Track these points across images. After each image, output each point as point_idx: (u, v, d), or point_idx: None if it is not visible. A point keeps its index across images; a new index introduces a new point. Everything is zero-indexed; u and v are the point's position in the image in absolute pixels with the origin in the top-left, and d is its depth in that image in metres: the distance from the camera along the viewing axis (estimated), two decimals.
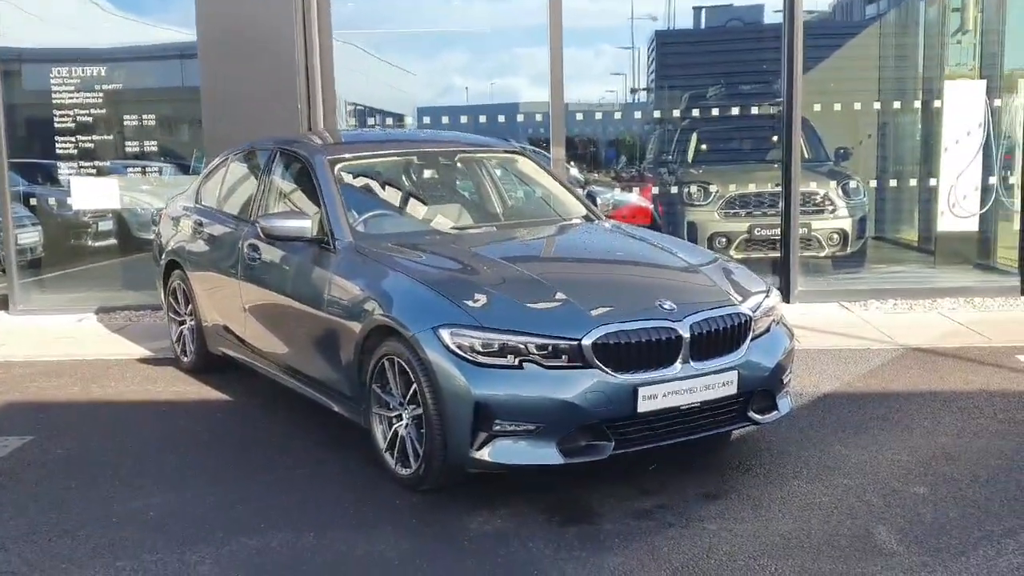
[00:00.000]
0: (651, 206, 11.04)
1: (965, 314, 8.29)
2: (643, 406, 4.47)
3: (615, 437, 4.50)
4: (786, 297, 8.86)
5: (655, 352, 4.52)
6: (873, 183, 10.73)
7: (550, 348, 4.42)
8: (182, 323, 7.06)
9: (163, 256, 7.28)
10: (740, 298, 4.94)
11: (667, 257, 5.41)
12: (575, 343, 4.42)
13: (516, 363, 4.40)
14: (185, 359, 7.05)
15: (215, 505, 4.64)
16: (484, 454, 4.41)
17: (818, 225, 9.76)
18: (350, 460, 5.13)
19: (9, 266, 9.39)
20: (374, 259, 5.17)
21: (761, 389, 4.87)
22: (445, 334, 4.47)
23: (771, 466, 4.97)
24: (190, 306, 6.88)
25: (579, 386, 4.38)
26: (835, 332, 7.73)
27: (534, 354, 4.41)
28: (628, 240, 5.80)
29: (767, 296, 5.12)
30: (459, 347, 4.43)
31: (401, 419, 4.75)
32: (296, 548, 4.17)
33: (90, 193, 9.76)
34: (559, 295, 4.68)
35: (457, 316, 4.52)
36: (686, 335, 4.58)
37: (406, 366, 4.62)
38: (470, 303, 4.59)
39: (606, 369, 4.43)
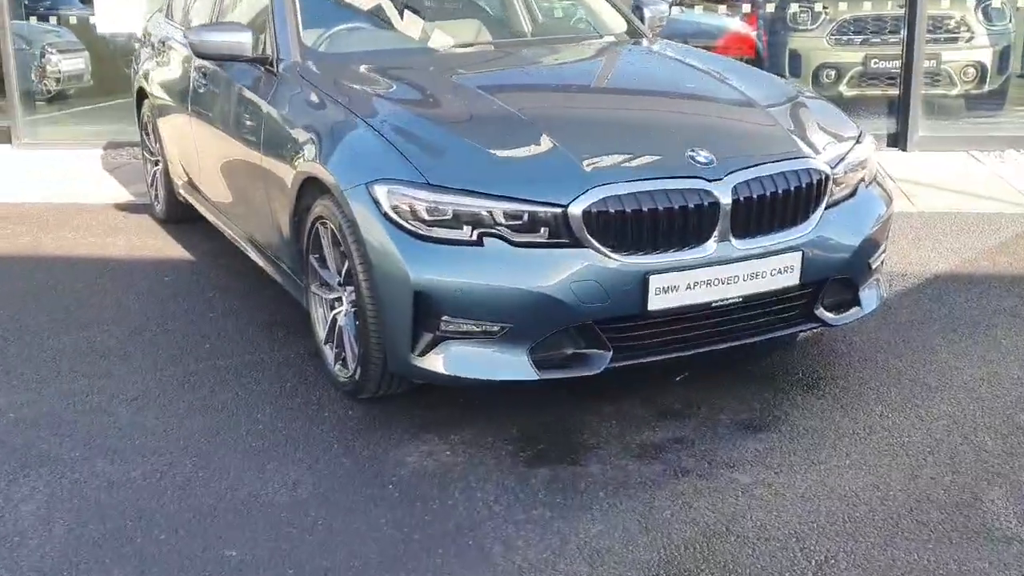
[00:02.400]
0: (755, 34, 9.29)
1: None
2: (656, 302, 3.14)
3: (614, 344, 3.20)
4: (903, 144, 7.21)
5: (678, 224, 3.15)
6: (1022, 3, 8.70)
7: (524, 217, 3.09)
8: (156, 164, 5.93)
9: (134, 83, 6.11)
10: (815, 147, 3.48)
11: (718, 88, 3.92)
12: (559, 210, 3.08)
13: (474, 237, 3.10)
14: (157, 206, 5.96)
15: (90, 409, 3.56)
16: (429, 362, 3.17)
17: (949, 56, 7.93)
18: (294, 353, 3.98)
19: (10, 94, 8.37)
20: (316, 86, 3.85)
21: (837, 277, 3.46)
22: (380, 192, 3.18)
23: (844, 382, 3.61)
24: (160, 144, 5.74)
25: (563, 272, 3.07)
26: (960, 191, 6.12)
27: (500, 225, 3.09)
28: (668, 65, 4.29)
29: (856, 144, 3.64)
30: (397, 211, 3.15)
31: (341, 303, 3.54)
32: (159, 485, 3.06)
33: (115, 14, 8.62)
34: (545, 140, 3.31)
35: (398, 168, 3.22)
36: (726, 200, 3.18)
37: (339, 234, 3.37)
38: (417, 150, 3.27)
39: (604, 249, 3.09)
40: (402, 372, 3.30)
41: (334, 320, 3.59)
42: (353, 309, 3.41)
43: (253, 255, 4.44)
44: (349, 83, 3.84)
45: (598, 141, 3.35)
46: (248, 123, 4.15)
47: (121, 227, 5.87)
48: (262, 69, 4.16)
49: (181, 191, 5.44)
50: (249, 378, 3.76)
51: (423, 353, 3.17)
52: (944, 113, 7.94)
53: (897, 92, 7.42)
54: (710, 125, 3.62)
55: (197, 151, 4.93)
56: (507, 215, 3.09)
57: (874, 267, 3.62)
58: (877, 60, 7.98)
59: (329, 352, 3.64)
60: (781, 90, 4.06)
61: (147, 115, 5.88)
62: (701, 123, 3.64)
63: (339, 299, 3.55)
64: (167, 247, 5.45)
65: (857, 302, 3.58)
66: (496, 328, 3.11)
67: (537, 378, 3.14)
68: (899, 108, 7.34)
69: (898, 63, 7.42)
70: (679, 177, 3.19)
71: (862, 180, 3.60)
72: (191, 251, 5.34)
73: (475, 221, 3.10)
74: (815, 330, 3.53)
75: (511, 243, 3.09)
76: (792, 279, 3.32)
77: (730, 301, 3.25)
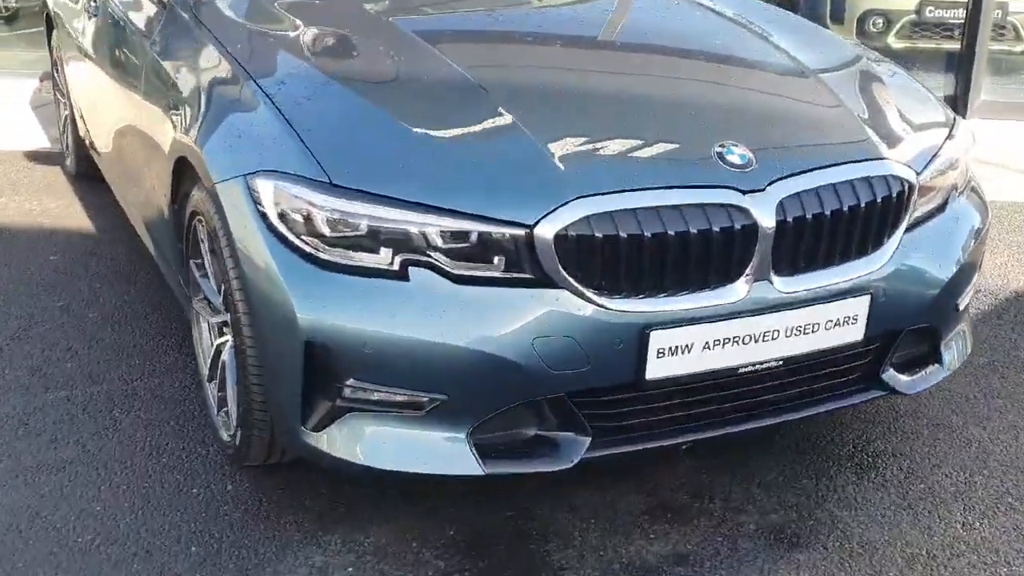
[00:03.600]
0: None
1: None
2: (658, 368, 2.16)
3: (595, 424, 2.22)
4: (963, 110, 6.13)
5: (696, 257, 2.15)
6: None
7: (470, 239, 2.10)
8: (67, 108, 4.90)
9: (45, 6, 5.06)
10: (893, 142, 2.46)
11: (758, 49, 2.87)
12: (522, 231, 2.09)
13: (396, 266, 2.11)
14: (68, 159, 4.94)
15: None
16: (327, 441, 2.20)
17: (1018, 6, 6.80)
18: (179, 383, 3.01)
19: None
20: (206, 25, 2.82)
21: (915, 327, 2.47)
22: (264, 190, 2.19)
23: (909, 462, 2.64)
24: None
25: (523, 322, 2.08)
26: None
27: (436, 249, 2.10)
28: (688, 14, 3.21)
29: (949, 139, 2.62)
30: (286, 220, 2.16)
31: (227, 332, 2.57)
32: None
33: None
34: (504, 120, 2.30)
35: (291, 158, 2.21)
36: (768, 222, 2.18)
37: (215, 240, 2.39)
38: (323, 132, 2.26)
39: (584, 290, 2.10)
40: (291, 449, 2.34)
41: (218, 352, 2.62)
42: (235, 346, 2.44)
43: (145, 240, 3.46)
44: (251, 25, 2.82)
45: (582, 125, 2.33)
46: (131, 69, 3.14)
47: (21, 182, 4.84)
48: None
49: (87, 142, 4.44)
50: (108, 420, 2.80)
51: (319, 427, 2.20)
52: (1012, 73, 6.83)
53: (957, 46, 6.31)
54: (747, 106, 2.56)
55: (88, 97, 3.92)
56: (446, 236, 2.10)
57: (961, 309, 2.62)
58: (934, 8, 6.85)
59: (212, 393, 2.68)
60: (842, 52, 3.00)
61: (56, 47, 4.84)
62: (734, 102, 2.57)
63: (225, 324, 2.58)
64: (67, 214, 4.44)
65: (937, 358, 2.59)
66: (424, 399, 2.14)
67: (482, 473, 2.16)
68: (959, 66, 6.22)
69: (960, 12, 6.30)
70: (700, 187, 2.18)
71: (954, 187, 2.59)
72: (94, 220, 4.34)
73: (399, 243, 2.11)
74: (875, 398, 2.55)
75: (450, 277, 2.10)
76: (856, 333, 2.32)
77: (765, 365, 2.27)
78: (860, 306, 2.30)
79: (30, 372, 3.05)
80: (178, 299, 3.05)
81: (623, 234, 2.09)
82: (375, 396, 2.15)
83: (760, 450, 2.65)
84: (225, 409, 2.58)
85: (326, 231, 2.12)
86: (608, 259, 2.10)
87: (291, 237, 2.14)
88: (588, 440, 2.20)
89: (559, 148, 2.21)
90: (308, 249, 2.13)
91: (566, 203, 2.09)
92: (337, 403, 2.16)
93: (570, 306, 2.09)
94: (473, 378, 2.10)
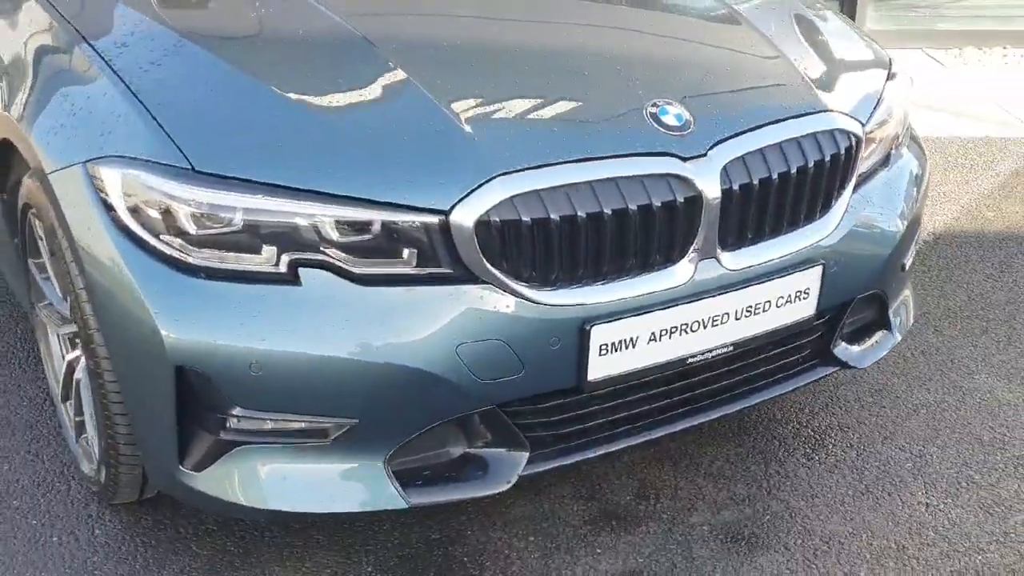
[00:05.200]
0: None
1: None
2: (600, 367, 1.86)
3: (532, 435, 1.92)
4: None
5: (636, 237, 1.85)
6: None
7: (372, 230, 1.74)
8: None
9: None
10: (835, 93, 2.20)
11: None
12: (435, 218, 1.74)
13: (284, 268, 1.74)
14: None
15: None
16: (211, 483, 1.83)
17: None
18: (32, 395, 2.57)
19: None
20: None
21: (865, 293, 2.24)
22: (109, 179, 1.78)
23: (858, 436, 2.43)
24: None
25: (442, 326, 1.75)
26: (930, 105, 4.94)
27: (330, 244, 1.74)
28: None
29: (888, 82, 2.37)
30: (139, 216, 1.76)
31: (78, 345, 2.16)
32: None
33: None
34: (396, 73, 1.94)
35: (141, 139, 1.80)
36: (713, 192, 1.89)
37: (53, 239, 1.97)
38: (179, 107, 1.86)
39: (513, 284, 1.78)
40: (168, 491, 1.96)
41: (71, 368, 2.21)
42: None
43: None
44: None
45: (491, 84, 1.98)
46: None
47: None
48: None
49: None
50: None
51: (200, 466, 1.83)
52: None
53: None
54: (677, 57, 2.23)
55: None
56: (342, 227, 1.74)
57: (908, 268, 2.40)
58: None
59: (68, 416, 2.27)
60: None
61: None
62: (664, 54, 2.24)
63: (77, 336, 2.16)
64: None
65: (886, 324, 2.37)
66: (329, 426, 1.79)
67: (405, 507, 1.84)
68: None
69: None
70: (636, 155, 1.87)
71: (896, 137, 2.35)
72: None
73: (284, 239, 1.74)
74: (827, 375, 2.31)
75: (350, 277, 1.75)
76: (808, 308, 2.07)
77: (715, 352, 2.00)
78: (812, 278, 2.05)
79: None
80: (19, 302, 2.60)
81: (554, 216, 1.77)
82: (268, 426, 1.79)
83: (699, 434, 2.40)
84: (85, 436, 2.18)
85: (191, 228, 1.74)
86: (538, 246, 1.78)
87: (147, 238, 1.75)
88: (525, 455, 1.89)
89: (467, 113, 1.86)
90: (170, 252, 1.74)
91: (486, 182, 1.75)
92: (221, 436, 1.79)
93: (497, 303, 1.77)
94: (387, 397, 1.76)
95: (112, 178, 1.78)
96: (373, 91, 1.95)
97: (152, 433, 1.85)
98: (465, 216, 1.73)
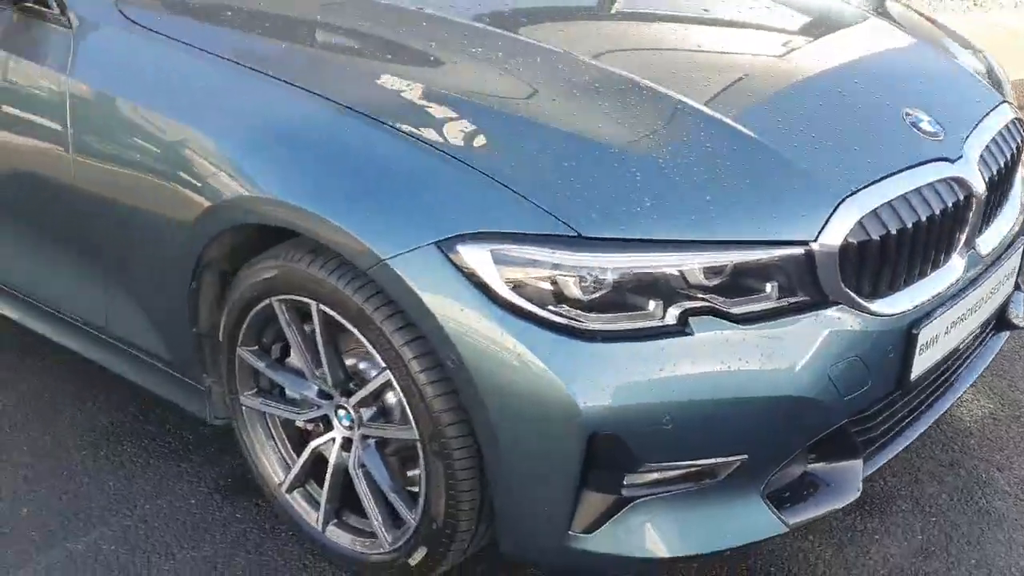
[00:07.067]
0: None
1: None
2: (919, 365, 1.98)
3: (862, 441, 2.02)
4: None
5: (931, 238, 1.98)
6: None
7: (742, 268, 1.76)
8: None
9: None
10: (993, 86, 2.45)
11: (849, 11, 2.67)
12: (800, 249, 1.79)
13: (673, 319, 1.73)
14: None
15: None
16: (607, 541, 1.79)
17: None
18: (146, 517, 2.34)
19: None
20: (181, 39, 2.10)
21: None
22: (476, 258, 1.69)
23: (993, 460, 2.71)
24: None
25: (815, 352, 1.80)
26: None
27: (700, 289, 1.74)
28: None
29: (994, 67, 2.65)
30: (523, 289, 1.69)
31: (331, 427, 2.01)
32: None
33: None
34: (701, 113, 1.95)
35: (502, 208, 1.71)
36: (979, 187, 2.06)
37: (333, 327, 1.84)
38: (525, 171, 1.77)
39: (860, 299, 1.86)
40: (543, 558, 1.90)
41: (316, 455, 2.06)
42: (374, 439, 1.93)
43: (35, 324, 2.61)
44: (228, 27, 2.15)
45: (786, 112, 2.03)
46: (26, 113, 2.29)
47: None
48: (30, 15, 2.27)
49: None
50: None
51: (592, 528, 1.79)
52: None
53: None
54: (894, 69, 2.36)
55: None
56: (717, 271, 1.75)
57: None
58: None
59: (299, 504, 2.13)
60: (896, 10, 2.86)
61: None
62: (883, 66, 2.35)
63: (323, 419, 2.03)
64: None
65: None
66: (721, 464, 1.80)
67: (785, 530, 1.88)
68: None
69: None
70: (920, 164, 2.00)
71: None
72: None
73: (665, 290, 1.72)
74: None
75: (732, 319, 1.76)
76: (1013, 278, 2.31)
77: (972, 335, 2.18)
78: (1018, 252, 2.28)
79: None
80: (146, 390, 2.36)
81: (892, 230, 1.87)
82: (667, 475, 1.78)
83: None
84: (345, 523, 2.07)
85: (579, 294, 1.69)
86: (881, 260, 1.87)
87: (536, 310, 1.68)
88: (860, 462, 1.99)
89: (781, 143, 1.91)
90: (564, 321, 1.68)
91: (836, 208, 1.82)
92: (621, 495, 1.77)
93: (851, 321, 1.84)
94: (772, 428, 1.80)
95: (478, 256, 1.69)
96: (683, 132, 1.92)
97: (536, 504, 1.78)
98: (829, 242, 1.79)
